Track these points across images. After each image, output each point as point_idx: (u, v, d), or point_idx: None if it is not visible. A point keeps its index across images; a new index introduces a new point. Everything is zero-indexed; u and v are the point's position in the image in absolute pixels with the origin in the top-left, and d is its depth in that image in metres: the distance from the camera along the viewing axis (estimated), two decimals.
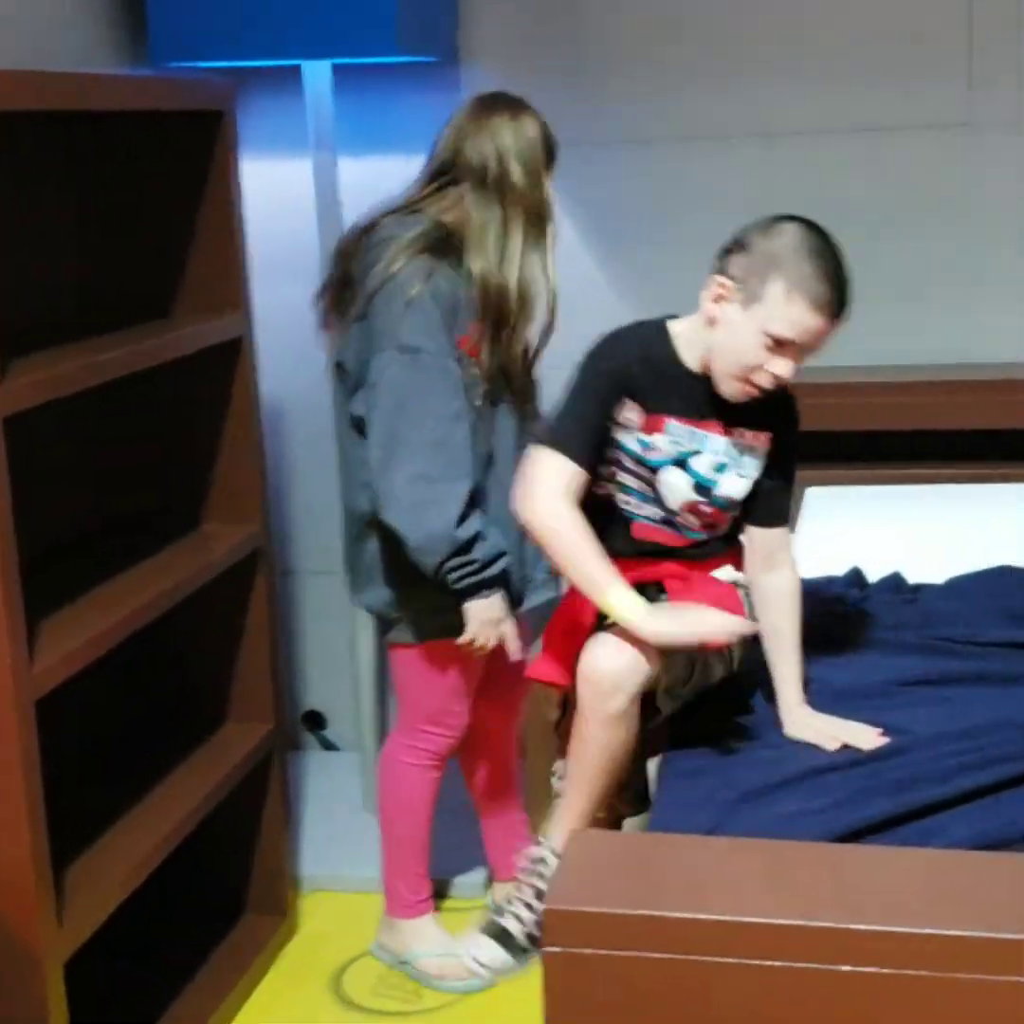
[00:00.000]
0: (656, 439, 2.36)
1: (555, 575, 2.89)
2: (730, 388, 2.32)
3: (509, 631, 2.86)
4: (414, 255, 2.73)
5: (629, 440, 2.37)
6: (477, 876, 3.43)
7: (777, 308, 2.24)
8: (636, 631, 2.22)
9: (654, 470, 2.37)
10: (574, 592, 2.40)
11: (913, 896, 1.60)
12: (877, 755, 2.27)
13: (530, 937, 2.36)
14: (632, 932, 1.59)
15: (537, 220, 2.80)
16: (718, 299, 2.30)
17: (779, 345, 2.26)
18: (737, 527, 2.48)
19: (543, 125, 2.80)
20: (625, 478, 2.39)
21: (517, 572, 2.91)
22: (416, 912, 3.17)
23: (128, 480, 3.08)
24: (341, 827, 3.67)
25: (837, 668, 2.54)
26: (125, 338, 2.69)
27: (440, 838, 3.20)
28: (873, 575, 2.97)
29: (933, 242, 3.56)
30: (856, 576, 2.97)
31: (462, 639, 2.82)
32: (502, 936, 2.39)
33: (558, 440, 2.33)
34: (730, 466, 2.39)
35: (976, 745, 2.26)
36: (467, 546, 2.74)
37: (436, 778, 3.11)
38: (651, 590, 2.39)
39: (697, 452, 2.37)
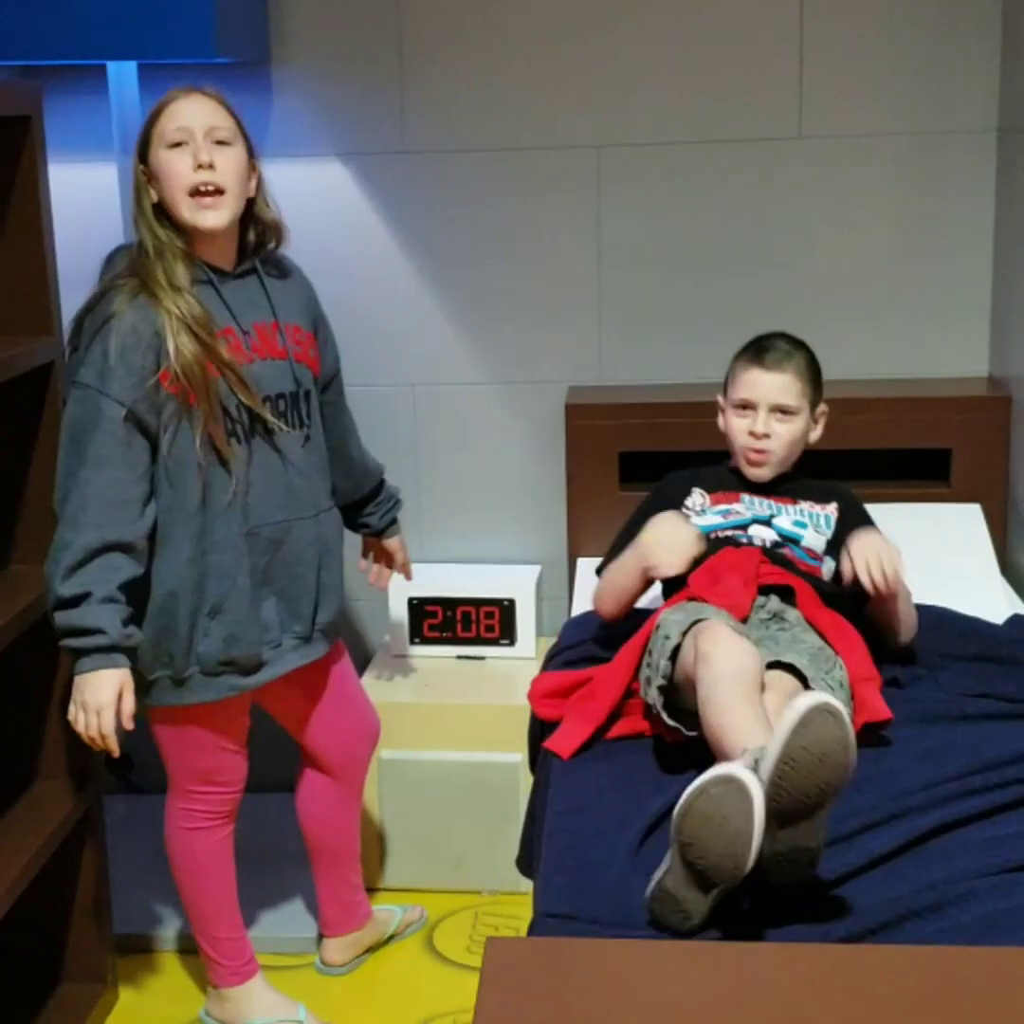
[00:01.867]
0: (735, 506, 2.85)
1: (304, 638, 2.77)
2: (746, 469, 2.83)
3: (105, 723, 2.49)
4: (118, 279, 2.54)
5: (706, 519, 2.83)
6: (305, 930, 3.24)
7: (731, 384, 2.85)
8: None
9: (745, 528, 2.81)
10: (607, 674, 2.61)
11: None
12: None
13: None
14: None
15: None
16: (720, 413, 2.89)
17: (745, 408, 2.80)
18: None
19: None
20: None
21: (253, 637, 2.68)
22: (240, 978, 2.95)
23: None
24: (152, 881, 3.41)
25: None
26: None
27: (264, 891, 3.01)
28: None
29: (765, 253, 3.50)
30: None
31: (69, 713, 2.53)
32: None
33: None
34: (808, 524, 2.82)
35: (874, 802, 2.18)
36: (64, 604, 2.49)
37: (226, 836, 2.89)
38: (777, 596, 2.64)
39: (774, 516, 2.82)
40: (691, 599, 2.64)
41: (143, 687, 2.68)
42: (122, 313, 2.49)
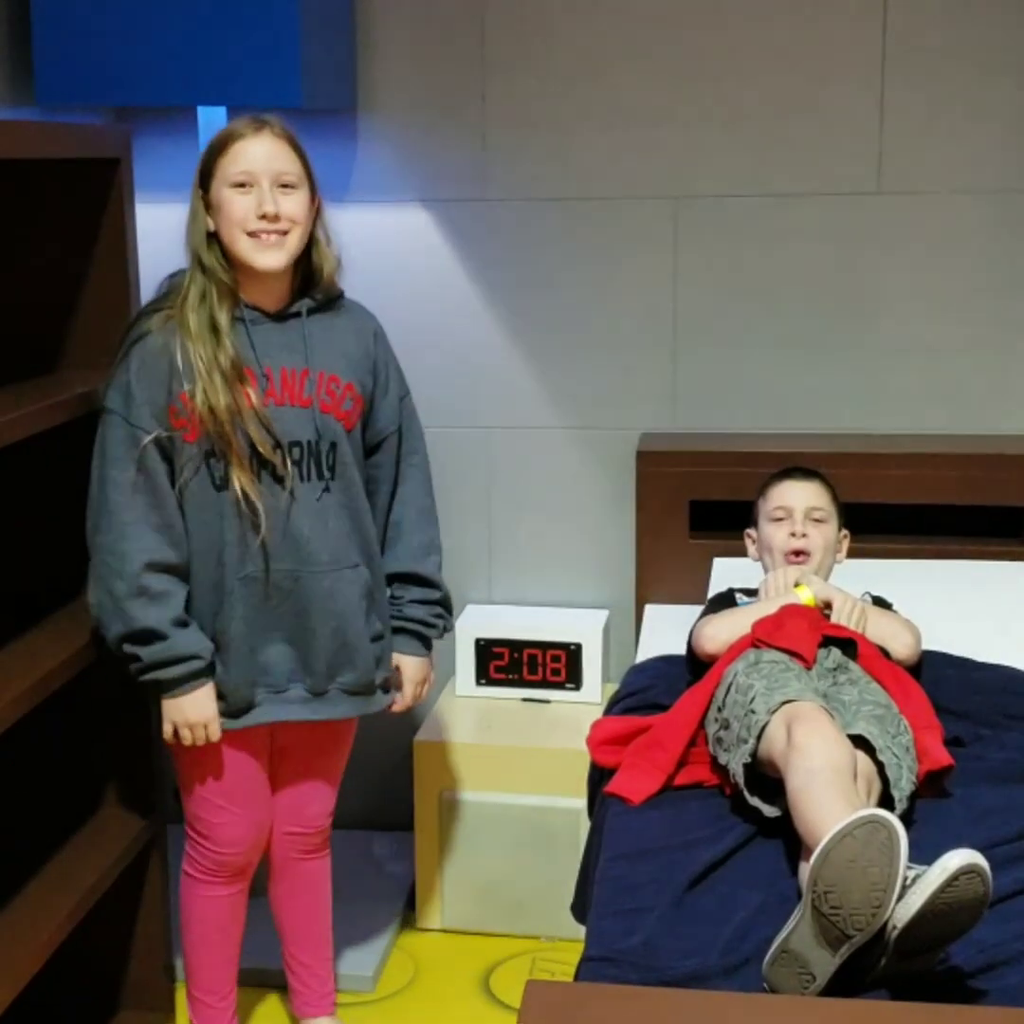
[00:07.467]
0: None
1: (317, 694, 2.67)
2: (787, 568, 2.94)
3: (214, 733, 2.62)
4: (159, 303, 2.57)
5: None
6: (362, 968, 3.26)
7: (764, 502, 3.04)
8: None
9: None
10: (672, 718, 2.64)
11: None
12: None
13: None
14: None
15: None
16: (750, 543, 3.10)
17: (780, 520, 2.99)
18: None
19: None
20: None
21: (245, 677, 2.63)
22: None
23: (6, 552, 2.86)
24: None
25: None
26: (13, 399, 2.50)
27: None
28: None
29: (841, 306, 3.50)
30: None
31: (165, 733, 2.64)
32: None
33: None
34: None
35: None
36: (142, 635, 2.52)
37: (221, 897, 2.83)
38: (839, 648, 2.69)
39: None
40: (756, 644, 2.65)
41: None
42: (146, 339, 2.51)
